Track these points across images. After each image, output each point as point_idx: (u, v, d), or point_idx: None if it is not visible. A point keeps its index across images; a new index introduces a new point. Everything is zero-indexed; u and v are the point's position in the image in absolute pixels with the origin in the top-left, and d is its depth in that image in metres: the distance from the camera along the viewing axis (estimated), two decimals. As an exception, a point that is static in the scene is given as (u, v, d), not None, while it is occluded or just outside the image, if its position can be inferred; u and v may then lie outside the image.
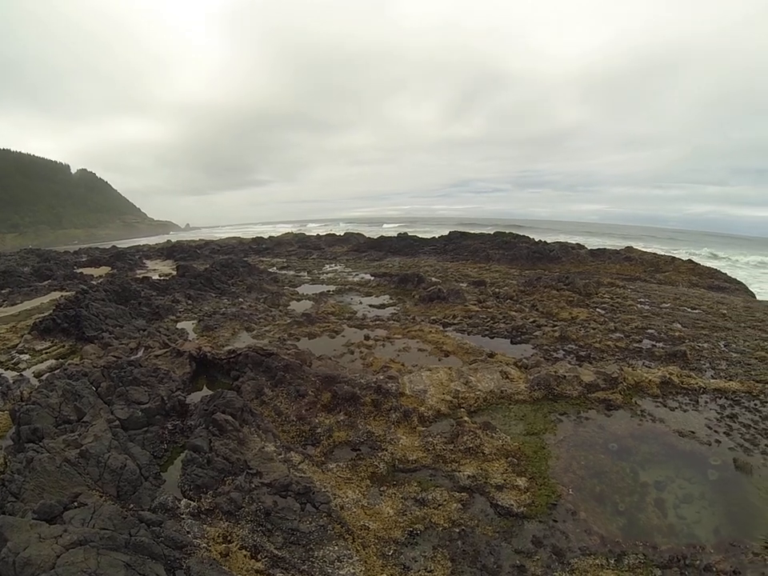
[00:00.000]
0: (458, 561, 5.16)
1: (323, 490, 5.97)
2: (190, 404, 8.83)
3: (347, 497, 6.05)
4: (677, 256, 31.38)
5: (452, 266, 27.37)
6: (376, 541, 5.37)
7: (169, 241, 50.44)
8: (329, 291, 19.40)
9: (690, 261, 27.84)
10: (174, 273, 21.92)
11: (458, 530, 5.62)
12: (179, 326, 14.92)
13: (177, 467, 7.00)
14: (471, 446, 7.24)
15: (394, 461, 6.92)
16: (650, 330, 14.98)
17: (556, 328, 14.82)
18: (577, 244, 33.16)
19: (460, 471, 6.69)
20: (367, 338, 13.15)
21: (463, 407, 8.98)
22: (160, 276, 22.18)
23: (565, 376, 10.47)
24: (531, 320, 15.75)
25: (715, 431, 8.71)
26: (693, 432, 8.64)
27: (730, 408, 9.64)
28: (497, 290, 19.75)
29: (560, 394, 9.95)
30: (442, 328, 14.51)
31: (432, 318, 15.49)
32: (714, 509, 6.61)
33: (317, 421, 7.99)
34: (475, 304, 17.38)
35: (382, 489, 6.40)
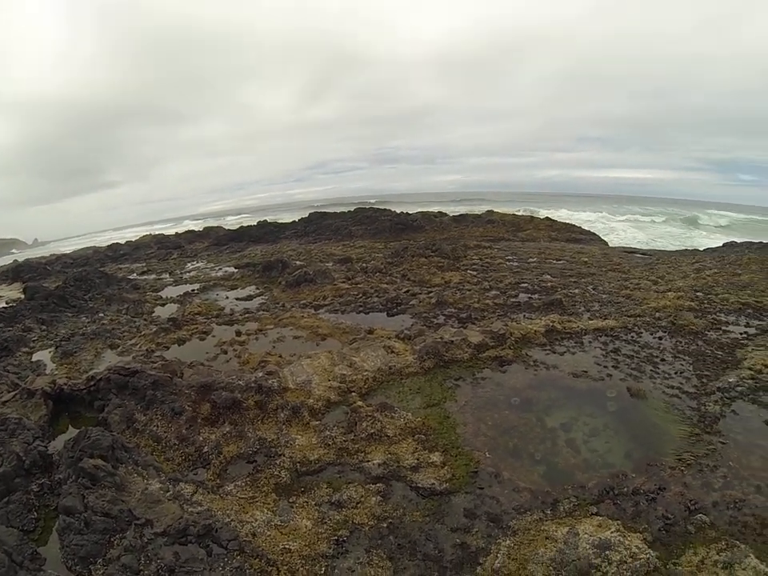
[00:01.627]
0: (397, 557, 5.31)
1: (227, 521, 6.06)
2: (53, 453, 8.55)
3: (256, 520, 6.15)
4: (535, 215, 39.34)
5: (315, 248, 29.69)
6: (303, 562, 5.44)
7: (15, 261, 44.16)
8: (193, 290, 21.20)
9: (547, 218, 34.57)
10: (23, 296, 22.55)
11: (385, 525, 5.81)
12: (34, 357, 14.90)
13: (56, 537, 6.67)
14: (372, 431, 7.63)
15: (295, 465, 7.13)
16: (523, 284, 17.68)
17: (431, 294, 16.46)
18: (439, 212, 37.55)
19: (368, 461, 7.00)
20: (239, 333, 14.18)
21: (353, 391, 9.34)
22: (6, 303, 22.57)
23: (452, 341, 11.35)
24: (405, 290, 17.25)
25: (604, 366, 10.38)
26: (585, 371, 10.15)
27: (612, 343, 11.68)
28: (364, 264, 21.49)
29: (451, 359, 10.88)
30: (314, 311, 15.88)
31: (302, 302, 16.87)
32: (621, 436, 7.77)
33: (201, 438, 8.12)
34: (344, 282, 18.78)
35: (291, 500, 6.51)
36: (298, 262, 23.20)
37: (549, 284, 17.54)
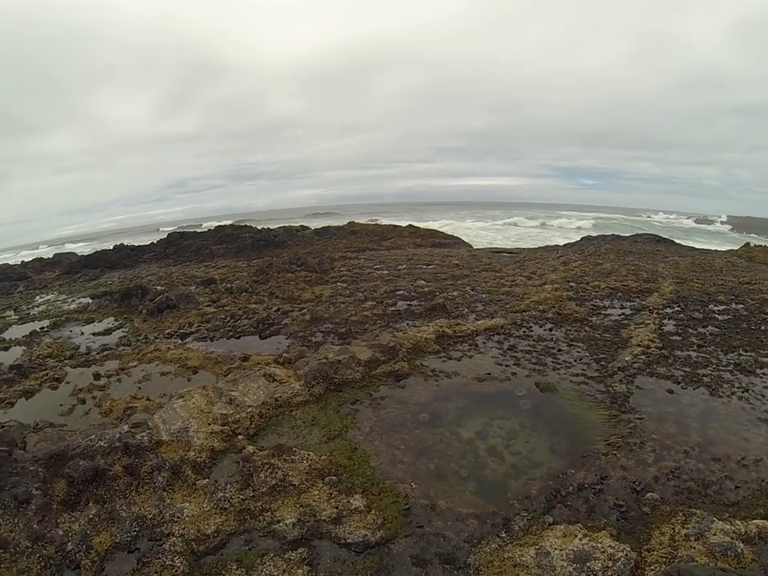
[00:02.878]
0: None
1: None
2: None
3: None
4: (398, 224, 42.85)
5: (176, 270, 30.94)
6: None
7: None
8: (43, 328, 19.74)
9: (410, 225, 38.40)
10: None
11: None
12: None
13: None
14: (274, 482, 7.06)
15: (189, 546, 6.16)
16: (399, 292, 18.60)
17: (304, 311, 16.69)
18: (301, 226, 40.84)
19: (279, 521, 6.31)
20: (97, 376, 13.27)
21: (240, 433, 8.73)
22: None
23: (339, 360, 11.02)
24: (275, 308, 17.62)
25: (506, 366, 10.93)
26: (489, 374, 10.55)
27: (506, 341, 12.48)
28: (229, 285, 22.69)
29: (342, 381, 10.58)
30: (180, 341, 15.90)
31: (167, 331, 16.80)
32: (540, 433, 8.16)
33: (61, 532, 6.83)
34: (210, 305, 19.59)
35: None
36: (158, 287, 23.41)
37: (425, 289, 18.68)
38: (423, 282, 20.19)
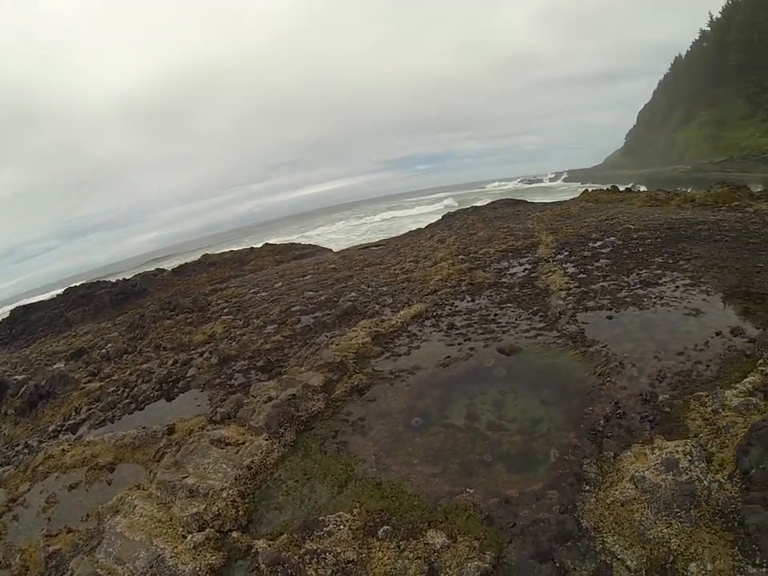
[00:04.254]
0: None
1: None
2: None
3: None
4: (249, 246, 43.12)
5: (32, 351, 28.25)
6: None
7: None
8: None
9: (266, 244, 39.08)
10: None
11: None
12: None
13: None
14: (329, 572, 5.78)
15: None
16: (294, 308, 18.36)
17: (205, 354, 15.73)
18: (157, 269, 40.35)
19: None
20: None
21: (230, 530, 7.22)
22: None
23: (293, 394, 10.43)
24: (170, 362, 16.28)
25: (459, 344, 11.50)
26: (448, 357, 10.97)
27: (441, 323, 13.15)
28: (103, 351, 20.77)
29: (308, 416, 9.90)
30: (73, 435, 13.55)
31: (50, 428, 14.21)
32: (523, 392, 8.90)
33: None
34: (91, 380, 17.54)
35: None
36: (19, 377, 20.15)
37: (321, 298, 18.73)
38: (311, 292, 20.24)
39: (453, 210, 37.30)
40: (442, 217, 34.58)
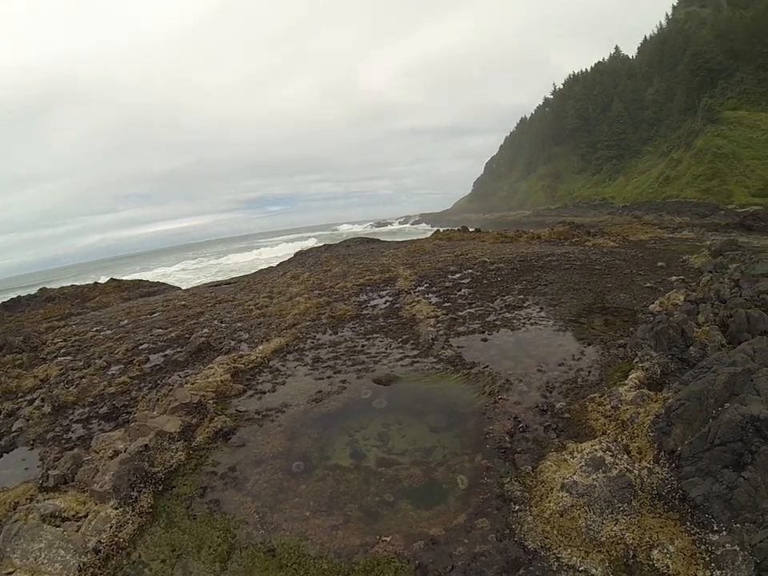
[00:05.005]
0: None
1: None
2: None
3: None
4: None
5: None
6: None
7: None
8: None
9: (112, 279, 37.36)
10: None
11: None
12: None
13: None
14: None
15: None
16: (143, 346, 16.52)
17: (36, 402, 13.04)
18: None
19: None
20: None
21: None
22: None
23: (146, 445, 8.44)
24: None
25: (328, 377, 10.81)
26: (320, 392, 10.15)
27: (304, 356, 12.34)
28: None
29: (167, 471, 7.96)
30: None
31: None
32: (409, 422, 8.53)
33: None
34: None
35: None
36: None
37: (172, 335, 17.03)
38: (161, 329, 18.41)
39: (306, 249, 37.84)
40: (294, 254, 34.28)
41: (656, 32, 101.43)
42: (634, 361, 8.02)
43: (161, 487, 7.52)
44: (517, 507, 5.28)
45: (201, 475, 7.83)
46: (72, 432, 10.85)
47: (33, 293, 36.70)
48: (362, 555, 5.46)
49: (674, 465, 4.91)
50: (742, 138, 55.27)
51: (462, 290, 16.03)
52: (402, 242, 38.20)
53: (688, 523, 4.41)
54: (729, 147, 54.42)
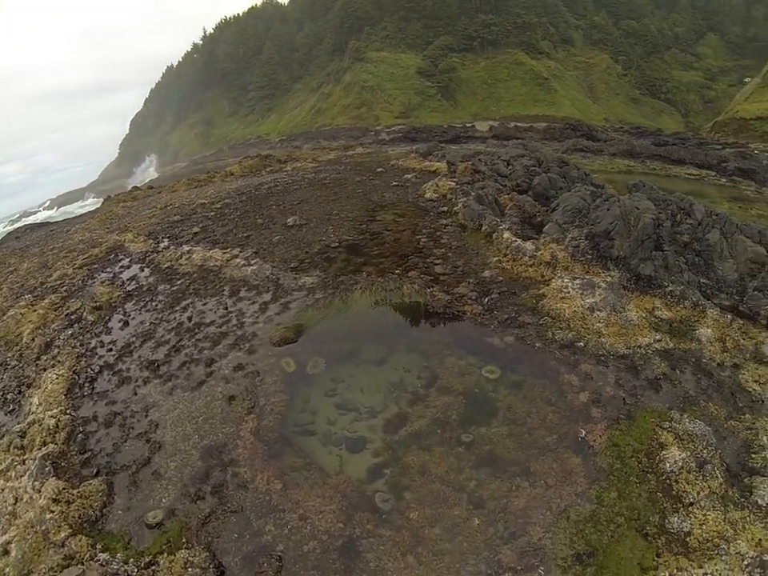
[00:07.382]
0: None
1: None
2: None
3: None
4: None
5: None
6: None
7: None
8: None
9: None
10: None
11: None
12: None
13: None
14: None
15: None
16: None
17: None
18: None
19: None
20: None
21: None
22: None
23: None
24: None
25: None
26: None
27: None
28: None
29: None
30: None
31: None
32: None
33: None
34: None
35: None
36: None
37: None
38: None
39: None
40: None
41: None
42: (483, 229, 10.10)
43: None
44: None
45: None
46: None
47: None
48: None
49: (621, 264, 7.20)
50: (385, 73, 68.53)
51: (221, 226, 15.37)
52: (78, 216, 30.96)
53: (650, 290, 6.85)
54: (374, 81, 66.93)
